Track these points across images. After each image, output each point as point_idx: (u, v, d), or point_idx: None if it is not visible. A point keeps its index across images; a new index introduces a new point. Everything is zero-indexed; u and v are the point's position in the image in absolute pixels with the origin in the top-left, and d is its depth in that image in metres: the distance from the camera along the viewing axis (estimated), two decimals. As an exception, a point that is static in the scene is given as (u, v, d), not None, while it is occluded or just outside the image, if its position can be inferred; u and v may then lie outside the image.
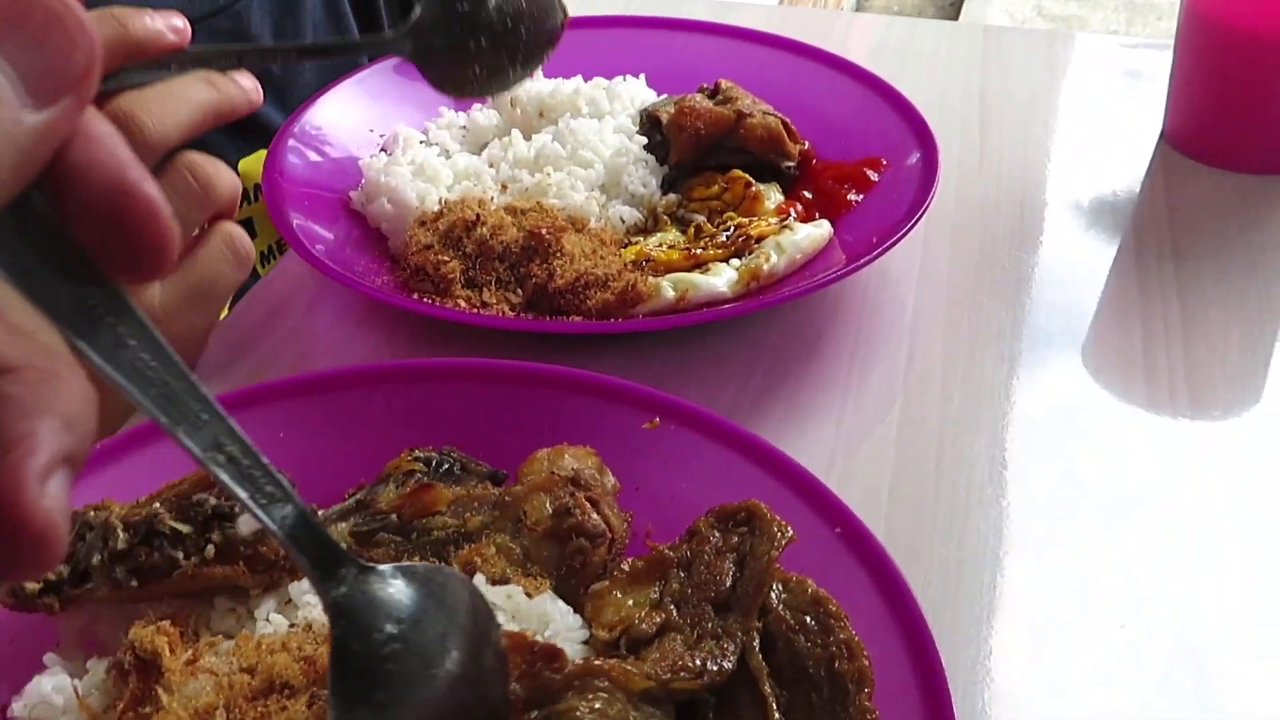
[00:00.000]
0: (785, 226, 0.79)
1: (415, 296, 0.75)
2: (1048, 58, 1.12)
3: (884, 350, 0.79)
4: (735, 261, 0.78)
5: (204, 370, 0.77)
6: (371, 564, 0.41)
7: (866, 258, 0.74)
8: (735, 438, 0.63)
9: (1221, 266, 0.86)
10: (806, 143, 0.89)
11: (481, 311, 0.74)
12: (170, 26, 0.67)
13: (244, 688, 0.48)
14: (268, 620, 0.53)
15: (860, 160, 0.87)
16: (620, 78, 0.94)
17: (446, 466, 0.60)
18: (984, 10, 4.96)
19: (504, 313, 0.74)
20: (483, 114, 0.92)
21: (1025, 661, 0.59)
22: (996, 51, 1.13)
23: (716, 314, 0.74)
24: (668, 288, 0.75)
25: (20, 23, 0.26)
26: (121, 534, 0.53)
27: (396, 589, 0.42)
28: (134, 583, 0.52)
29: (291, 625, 0.52)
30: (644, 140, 0.87)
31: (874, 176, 0.86)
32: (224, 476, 0.34)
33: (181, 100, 0.67)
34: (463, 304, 0.75)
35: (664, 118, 0.87)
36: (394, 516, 0.56)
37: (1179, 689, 0.58)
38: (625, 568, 0.55)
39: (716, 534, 0.55)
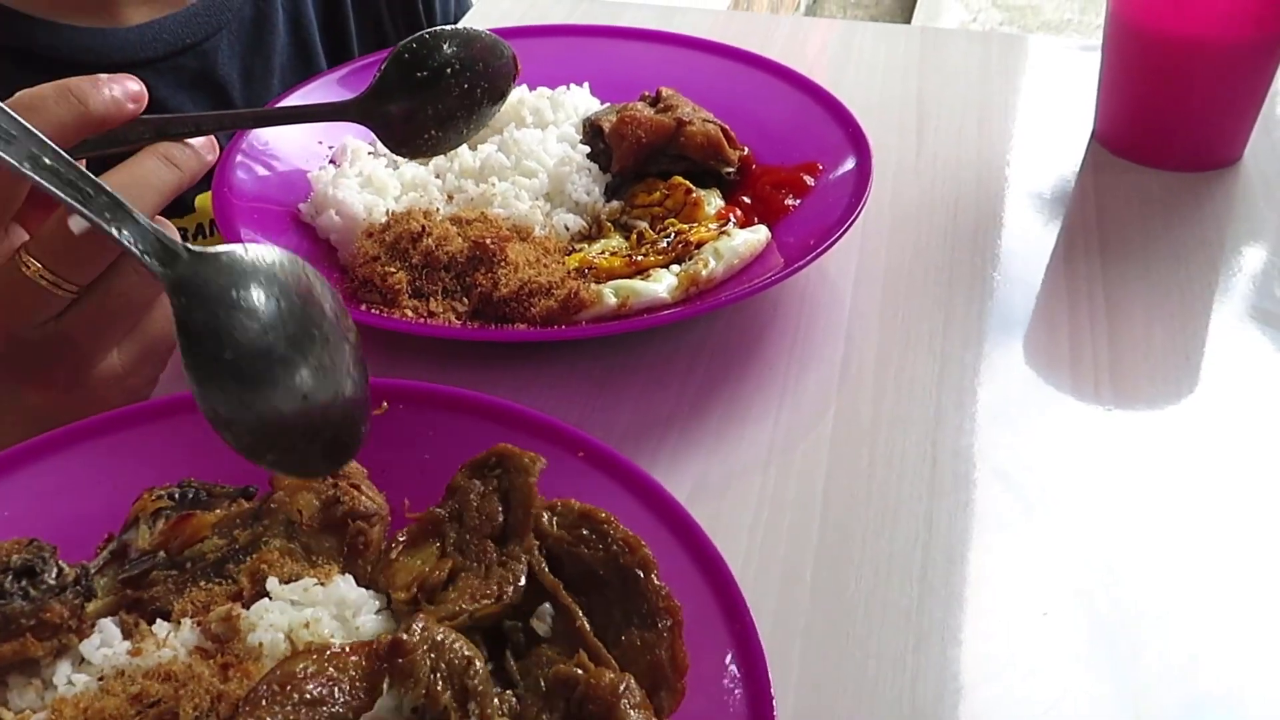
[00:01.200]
0: (723, 232, 0.82)
1: (364, 308, 0.77)
2: (983, 60, 1.15)
3: (821, 350, 0.82)
4: (675, 268, 0.80)
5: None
6: (201, 248, 0.47)
7: (799, 263, 0.77)
8: (460, 401, 0.67)
9: (1146, 262, 0.89)
10: (746, 148, 0.92)
11: (428, 321, 0.76)
12: (128, 94, 0.67)
13: None
14: (70, 683, 0.54)
15: (797, 165, 0.90)
16: (564, 87, 0.96)
17: (192, 496, 0.62)
18: (939, 2, 5.01)
19: (450, 322, 0.76)
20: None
21: (952, 649, 0.62)
22: (934, 54, 1.16)
23: (656, 320, 0.76)
24: (609, 294, 0.77)
25: None
26: None
27: (227, 261, 0.49)
28: None
29: (100, 679, 0.53)
30: (587, 149, 0.90)
31: (810, 181, 0.88)
32: (50, 186, 0.38)
33: (147, 188, 0.68)
34: (410, 314, 0.77)
35: (606, 126, 0.89)
36: (161, 554, 0.58)
37: (1098, 673, 0.61)
38: (401, 537, 0.60)
39: (476, 482, 0.60)
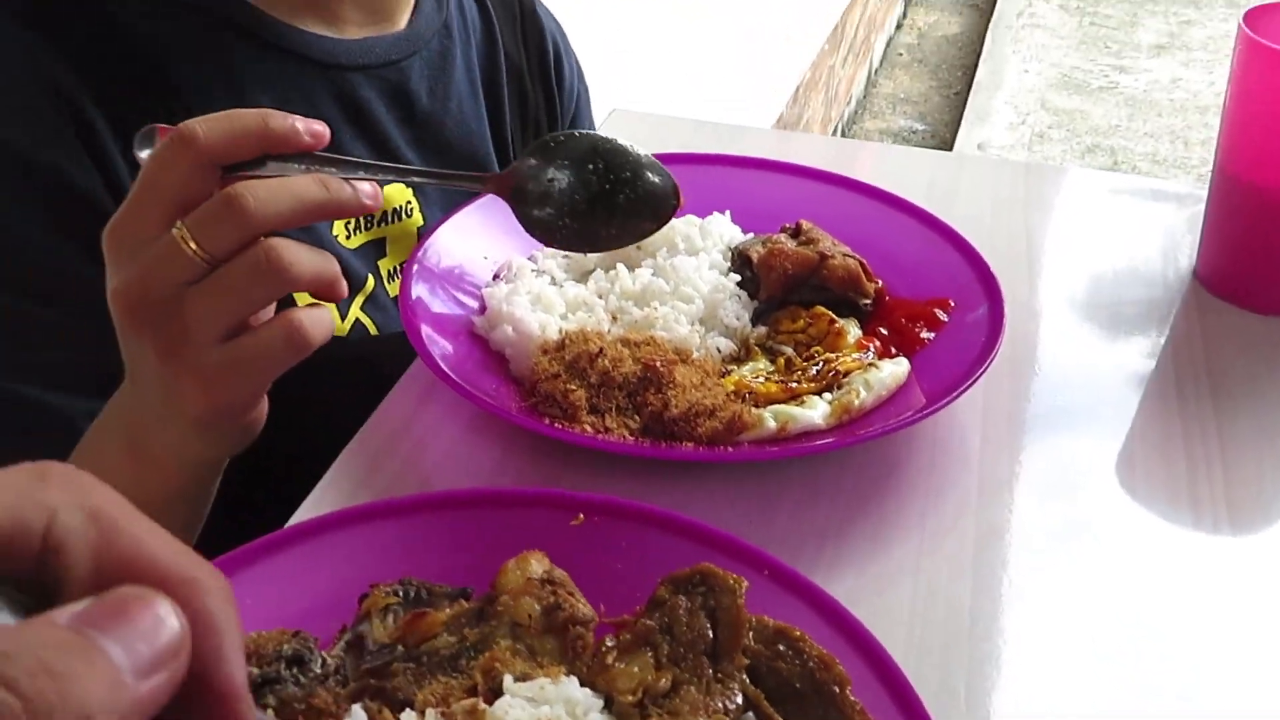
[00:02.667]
0: (871, 364, 0.89)
1: (546, 421, 0.84)
2: (1088, 197, 1.23)
3: (956, 475, 0.88)
4: (828, 395, 0.87)
5: (336, 484, 0.86)
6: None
7: (944, 400, 0.84)
8: (654, 518, 0.74)
9: (1255, 402, 0.95)
10: (880, 281, 0.99)
11: (607, 437, 0.83)
12: (309, 130, 0.76)
13: None
14: None
15: (930, 300, 0.97)
16: (711, 215, 1.04)
17: (414, 594, 0.69)
18: (988, 103, 5.13)
19: (624, 437, 0.84)
20: (585, 245, 1.01)
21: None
22: (1039, 190, 1.24)
23: (817, 448, 0.83)
24: (769, 419, 0.85)
25: (120, 615, 0.35)
26: None
27: None
28: None
29: None
30: (736, 277, 0.97)
31: (943, 316, 0.96)
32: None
33: (288, 192, 0.75)
34: (588, 429, 0.84)
35: (755, 257, 0.97)
36: (399, 647, 0.65)
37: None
38: (610, 643, 0.66)
39: (682, 598, 0.66)
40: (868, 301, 0.98)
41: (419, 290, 0.95)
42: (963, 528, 0.84)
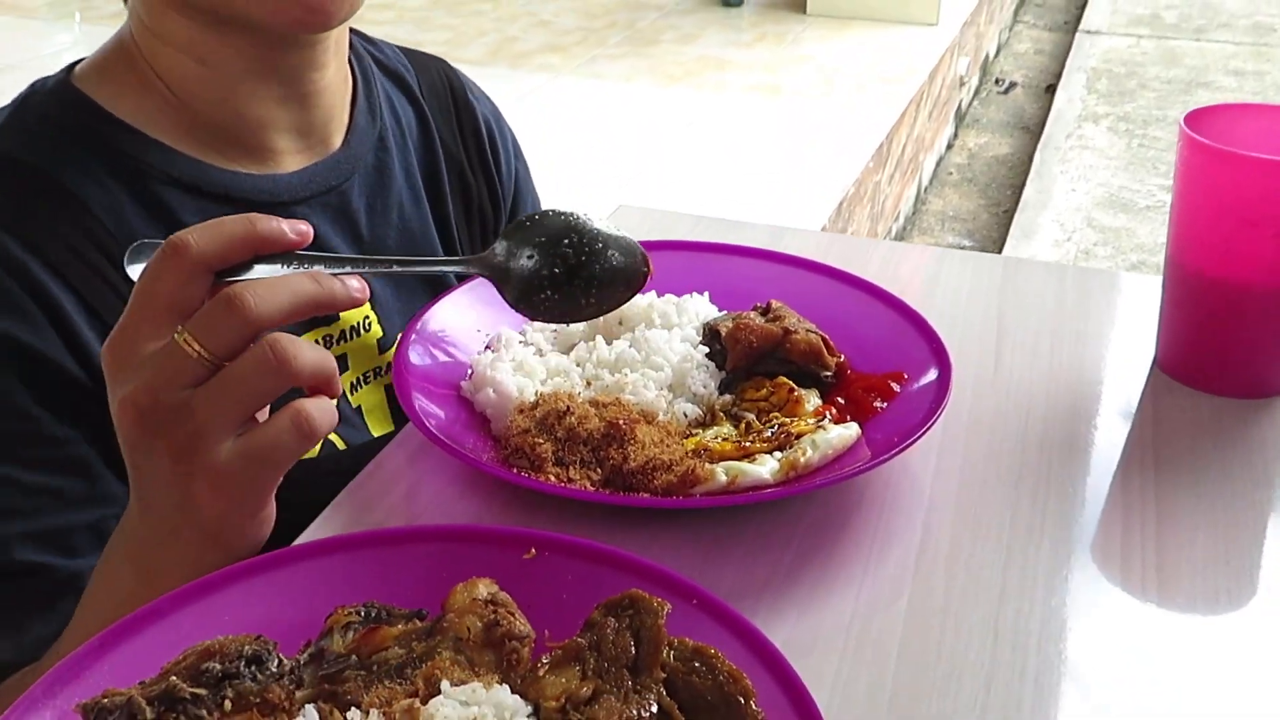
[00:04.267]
0: (820, 427, 0.96)
1: (515, 470, 0.92)
2: (1059, 290, 1.29)
3: (901, 535, 0.94)
4: (778, 454, 0.94)
5: (328, 527, 0.94)
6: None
7: (885, 455, 0.91)
8: (599, 555, 0.81)
9: (1195, 476, 1.00)
10: (842, 356, 1.06)
11: (568, 485, 0.91)
12: (294, 229, 0.82)
13: None
14: None
15: (886, 373, 1.04)
16: (688, 295, 1.12)
17: (375, 614, 0.76)
18: (1035, 220, 5.20)
19: (586, 487, 0.91)
20: (572, 320, 1.10)
21: (1001, 794, 0.73)
22: (1015, 282, 1.31)
23: (760, 496, 0.90)
24: (720, 473, 0.91)
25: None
26: (147, 708, 0.66)
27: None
28: None
29: None
30: (706, 349, 1.05)
31: (897, 388, 1.02)
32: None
33: (285, 289, 0.80)
34: (553, 478, 0.91)
35: (723, 331, 1.05)
36: (353, 657, 0.72)
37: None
38: (546, 659, 0.73)
39: (611, 619, 0.73)
40: (829, 374, 1.05)
41: (414, 355, 1.04)
42: (902, 588, 0.89)
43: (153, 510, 0.84)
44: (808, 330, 1.05)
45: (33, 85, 1.09)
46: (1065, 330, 1.23)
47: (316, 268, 0.83)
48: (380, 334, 1.19)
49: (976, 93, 6.89)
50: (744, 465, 0.92)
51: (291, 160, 1.15)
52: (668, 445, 0.94)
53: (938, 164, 6.06)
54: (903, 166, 5.23)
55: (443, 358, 1.07)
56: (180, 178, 1.07)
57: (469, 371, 1.06)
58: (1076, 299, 1.28)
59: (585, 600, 0.77)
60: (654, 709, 0.69)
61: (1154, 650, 0.84)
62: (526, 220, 0.91)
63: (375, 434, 1.18)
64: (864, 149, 4.60)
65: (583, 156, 4.49)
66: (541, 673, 0.72)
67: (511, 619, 0.74)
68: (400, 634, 0.74)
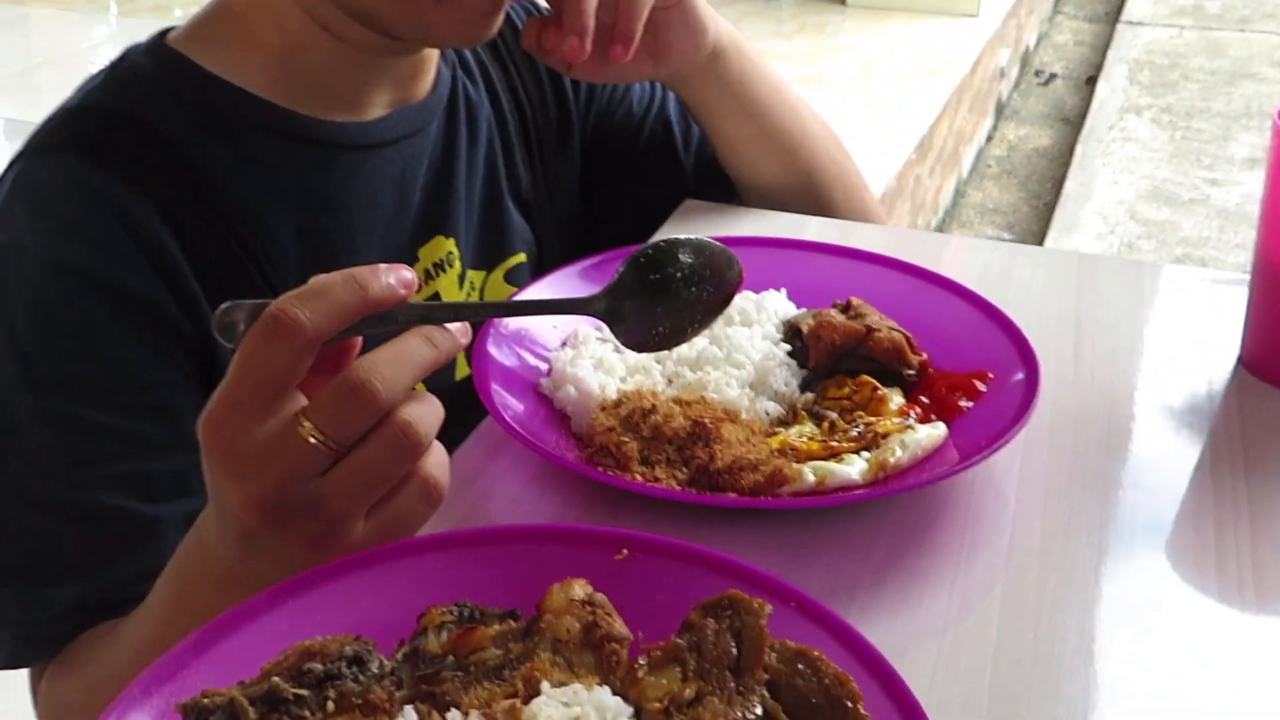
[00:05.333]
0: (908, 426, 0.95)
1: (600, 469, 0.91)
2: (1135, 287, 1.27)
3: (988, 537, 0.93)
4: (865, 454, 0.93)
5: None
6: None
7: (979, 456, 0.89)
8: (692, 555, 0.79)
9: (1288, 479, 0.99)
10: (925, 354, 1.05)
11: (655, 484, 0.90)
12: (401, 281, 0.79)
13: None
14: None
15: (970, 372, 1.03)
16: (766, 291, 1.11)
17: (468, 614, 0.75)
18: (1077, 213, 5.15)
19: (672, 487, 0.90)
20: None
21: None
22: (1090, 278, 1.29)
23: (850, 498, 0.89)
24: (809, 473, 0.90)
25: None
26: (250, 709, 0.65)
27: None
28: None
29: None
30: (787, 347, 1.04)
31: (982, 387, 1.01)
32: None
33: (408, 364, 0.78)
34: (639, 477, 0.91)
35: (805, 328, 1.04)
36: (450, 657, 0.71)
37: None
38: (643, 661, 0.71)
39: (710, 620, 0.72)
40: (911, 372, 1.03)
41: (492, 351, 1.03)
42: (992, 589, 0.88)
43: (262, 577, 0.80)
44: (890, 328, 1.04)
45: (126, 49, 1.11)
46: (1145, 329, 1.21)
47: (425, 318, 0.81)
48: (460, 269, 1.21)
49: (1016, 84, 6.83)
50: (832, 465, 0.91)
51: (376, 109, 1.16)
52: (753, 444, 0.93)
53: (977, 156, 6.01)
54: (943, 159, 5.19)
55: (520, 353, 1.06)
56: (273, 126, 1.09)
57: (547, 368, 1.05)
58: (1154, 297, 1.27)
59: (679, 601, 0.76)
60: (758, 711, 0.68)
61: (1253, 657, 0.83)
62: (640, 258, 0.89)
63: (458, 376, 1.19)
64: (906, 141, 4.56)
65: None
66: (641, 674, 0.71)
67: (610, 620, 0.73)
68: (496, 635, 0.73)
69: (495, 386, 0.99)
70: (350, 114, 1.14)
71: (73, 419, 0.97)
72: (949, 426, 0.97)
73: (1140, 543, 0.92)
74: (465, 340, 0.83)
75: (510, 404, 0.99)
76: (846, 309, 1.07)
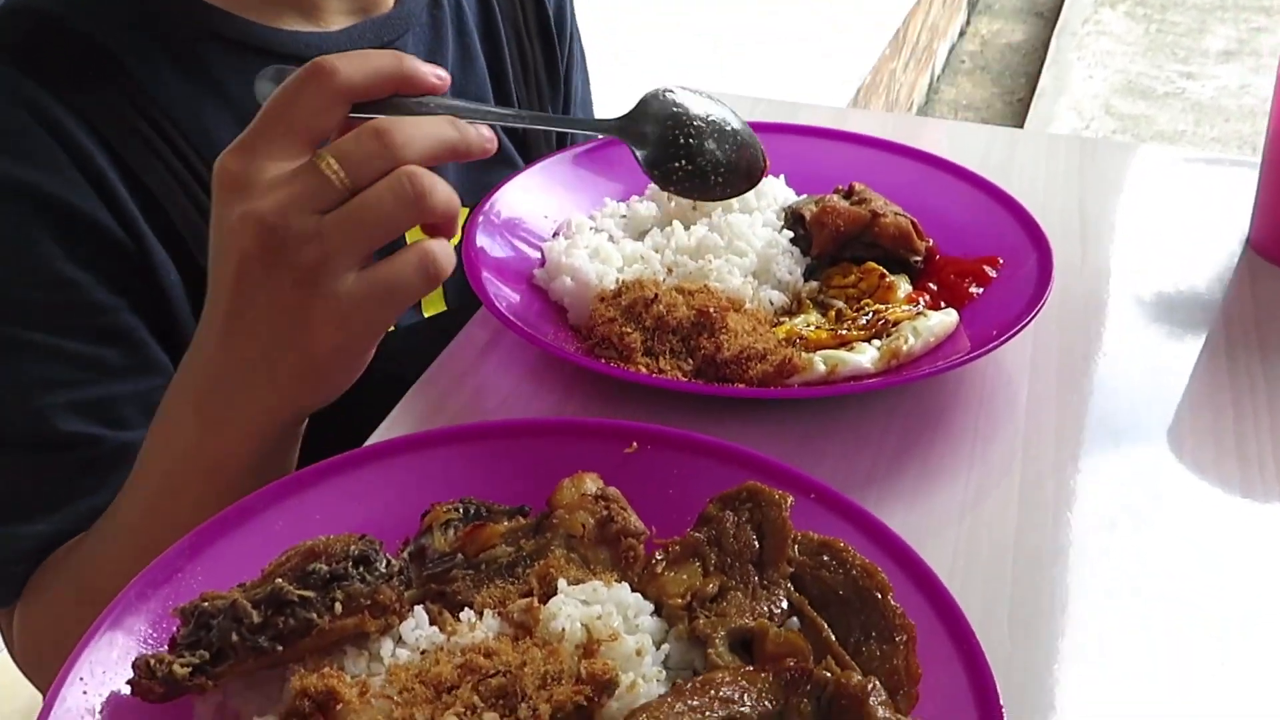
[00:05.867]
0: (919, 313, 0.91)
1: (602, 361, 0.87)
2: (1139, 169, 1.24)
3: (1003, 423, 0.90)
4: (876, 342, 0.89)
5: (401, 426, 0.89)
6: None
7: (994, 343, 0.86)
8: (704, 447, 0.77)
9: (1303, 362, 0.96)
10: (931, 240, 1.01)
11: (660, 376, 0.86)
12: (434, 73, 0.81)
13: (423, 695, 0.59)
14: (393, 656, 0.63)
15: (979, 258, 0.99)
16: (766, 178, 1.07)
17: (474, 511, 0.72)
18: (1052, 108, 5.10)
19: (678, 378, 0.87)
20: (643, 205, 1.04)
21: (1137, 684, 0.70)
22: (1093, 162, 1.25)
23: (863, 386, 0.86)
24: (819, 362, 0.87)
25: None
26: (253, 611, 0.63)
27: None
28: (279, 647, 0.62)
29: (423, 653, 0.63)
30: (790, 234, 1.00)
31: (992, 273, 0.97)
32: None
33: (430, 130, 0.79)
34: (643, 369, 0.87)
35: (808, 214, 1.00)
36: (459, 556, 0.68)
37: None
38: (660, 556, 0.69)
39: (729, 513, 0.69)
40: (918, 259, 1.00)
41: (482, 241, 0.99)
42: (1009, 475, 0.86)
43: (255, 337, 0.80)
44: (895, 213, 1.00)
45: None
46: (1151, 213, 1.18)
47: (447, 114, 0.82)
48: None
49: (989, -22, 6.71)
50: (843, 354, 0.88)
51: (340, 19, 1.09)
52: (760, 334, 0.89)
53: (950, 52, 5.93)
54: (917, 54, 5.11)
55: (512, 243, 1.02)
56: (221, 33, 1.02)
57: (540, 259, 1.00)
58: (1159, 180, 1.23)
59: (691, 495, 0.73)
60: (784, 605, 0.66)
61: (1273, 532, 0.81)
62: (665, 91, 0.90)
63: (426, 314, 1.14)
64: (880, 36, 4.48)
65: (601, 36, 4.37)
66: (659, 570, 0.68)
67: (625, 515, 0.70)
68: (506, 532, 0.70)
69: (488, 275, 0.95)
70: (306, 23, 1.06)
71: (24, 344, 0.92)
72: (960, 314, 0.94)
73: (1158, 426, 0.90)
74: (490, 145, 0.83)
75: (504, 295, 0.95)
76: (849, 194, 1.03)
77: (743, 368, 0.87)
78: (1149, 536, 0.81)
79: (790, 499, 0.69)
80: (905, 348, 0.88)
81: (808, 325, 0.93)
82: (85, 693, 0.63)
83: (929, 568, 0.68)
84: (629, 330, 0.89)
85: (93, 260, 0.94)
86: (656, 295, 0.90)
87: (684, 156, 0.89)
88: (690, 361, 0.88)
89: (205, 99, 1.00)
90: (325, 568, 0.65)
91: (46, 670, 0.98)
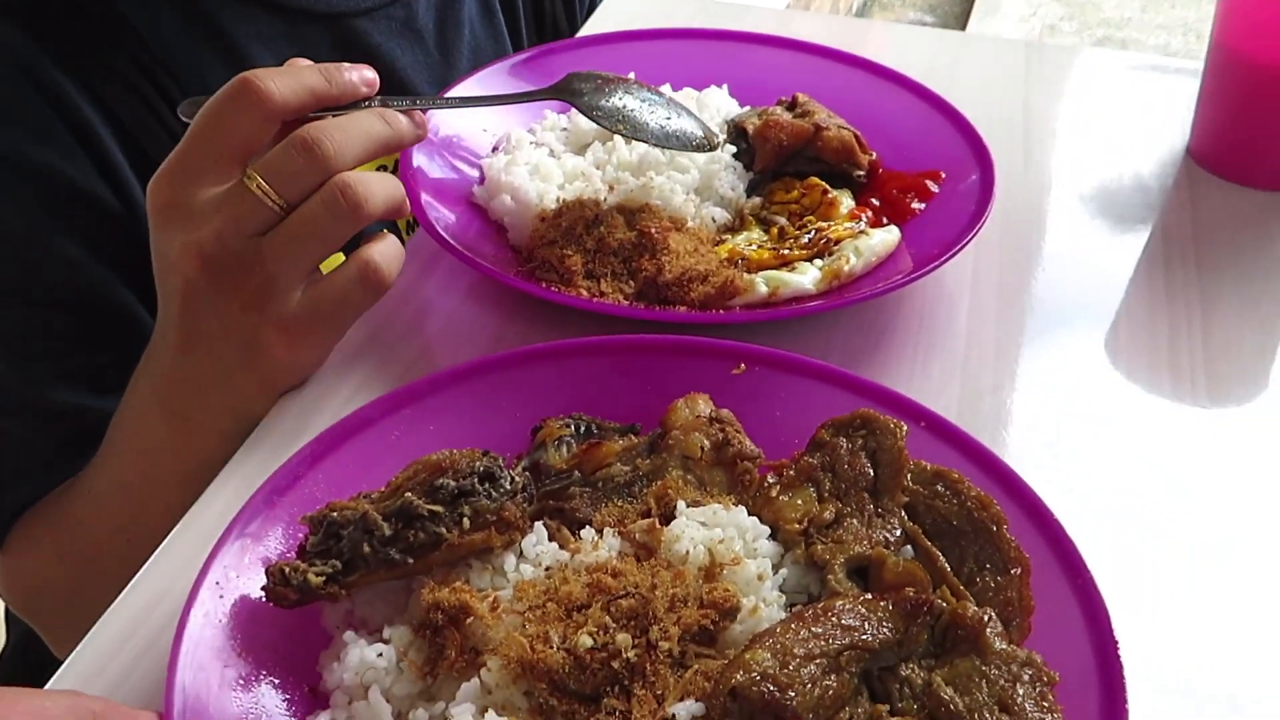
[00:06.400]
0: (861, 231, 0.91)
1: (543, 285, 0.87)
2: (1084, 75, 1.23)
3: (943, 340, 0.91)
4: (818, 262, 0.89)
5: (343, 350, 0.88)
6: None
7: (935, 263, 0.86)
8: (815, 370, 0.77)
9: (1238, 272, 0.97)
10: (874, 153, 1.00)
11: (602, 300, 0.86)
12: (363, 79, 0.79)
13: (554, 612, 0.61)
14: (517, 571, 0.65)
15: (922, 172, 0.99)
16: (708, 88, 1.05)
17: (585, 428, 0.73)
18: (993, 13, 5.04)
19: (619, 301, 0.86)
20: (584, 118, 1.02)
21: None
22: (1039, 68, 1.24)
23: (807, 309, 0.85)
24: (761, 284, 0.87)
25: None
26: (384, 524, 0.64)
27: None
28: (409, 560, 0.64)
29: (547, 570, 0.65)
30: (733, 149, 0.99)
31: (934, 188, 0.97)
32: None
33: (360, 133, 0.77)
34: (584, 293, 0.86)
35: (750, 129, 0.99)
36: (575, 473, 0.69)
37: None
38: (772, 479, 0.69)
39: (843, 440, 0.70)
40: (861, 173, 0.99)
41: (419, 160, 0.97)
42: (948, 392, 0.86)
43: (210, 356, 0.80)
44: (839, 126, 0.99)
45: None
46: (1094, 121, 1.17)
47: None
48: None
49: None
50: (785, 275, 0.87)
51: None
52: (702, 254, 0.89)
53: (899, -64, 5.82)
54: (865, -61, 5.01)
55: (450, 161, 1.00)
56: None
57: (479, 176, 0.99)
58: (1103, 87, 1.22)
59: (798, 418, 0.74)
60: (898, 534, 0.66)
61: (1203, 445, 0.83)
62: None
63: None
64: (828, -80, 4.38)
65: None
66: (774, 494, 0.69)
67: (740, 438, 0.70)
68: (621, 450, 0.71)
69: (426, 197, 0.93)
70: None
71: (20, 319, 0.92)
72: (901, 229, 0.94)
73: (1096, 336, 0.91)
74: (422, 133, 0.82)
75: (443, 216, 0.93)
76: (792, 106, 1.02)
77: (684, 290, 0.86)
78: (1086, 451, 0.82)
79: (905, 427, 0.69)
80: (847, 268, 0.88)
81: (750, 244, 0.92)
82: (222, 596, 0.64)
83: (1041, 501, 0.68)
84: (569, 253, 0.88)
85: (91, 237, 0.92)
86: (597, 216, 0.89)
87: (621, 91, 0.91)
88: (632, 284, 0.88)
89: (207, 51, 0.97)
90: (453, 483, 0.66)
91: (34, 612, 0.99)
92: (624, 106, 0.90)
